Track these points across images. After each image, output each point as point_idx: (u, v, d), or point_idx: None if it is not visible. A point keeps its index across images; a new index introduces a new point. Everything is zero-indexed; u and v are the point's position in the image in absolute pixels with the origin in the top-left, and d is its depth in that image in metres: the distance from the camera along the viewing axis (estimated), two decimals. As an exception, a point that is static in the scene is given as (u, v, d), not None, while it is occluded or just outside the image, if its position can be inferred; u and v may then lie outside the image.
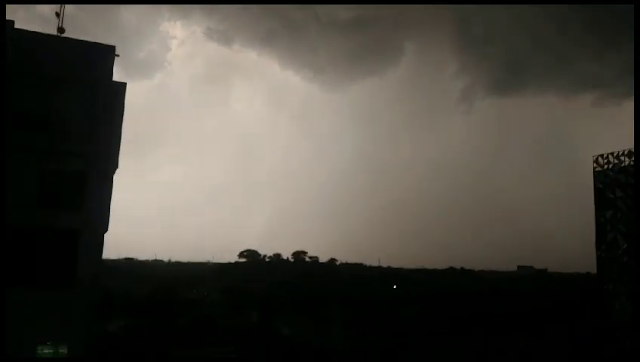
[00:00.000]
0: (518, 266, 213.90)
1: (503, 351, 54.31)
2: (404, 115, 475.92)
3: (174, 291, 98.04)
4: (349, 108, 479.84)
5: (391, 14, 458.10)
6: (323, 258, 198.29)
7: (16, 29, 23.69)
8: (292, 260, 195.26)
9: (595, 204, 70.67)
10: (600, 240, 69.74)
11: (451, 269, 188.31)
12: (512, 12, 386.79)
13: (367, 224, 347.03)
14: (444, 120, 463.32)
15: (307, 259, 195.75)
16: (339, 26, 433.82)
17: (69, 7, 27.91)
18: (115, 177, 26.26)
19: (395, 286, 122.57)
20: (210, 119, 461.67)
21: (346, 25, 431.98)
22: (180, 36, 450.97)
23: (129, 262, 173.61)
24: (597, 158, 70.92)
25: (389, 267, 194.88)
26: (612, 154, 69.28)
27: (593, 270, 75.60)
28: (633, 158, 65.91)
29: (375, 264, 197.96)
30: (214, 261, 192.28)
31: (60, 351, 22.89)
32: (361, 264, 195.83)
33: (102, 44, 25.65)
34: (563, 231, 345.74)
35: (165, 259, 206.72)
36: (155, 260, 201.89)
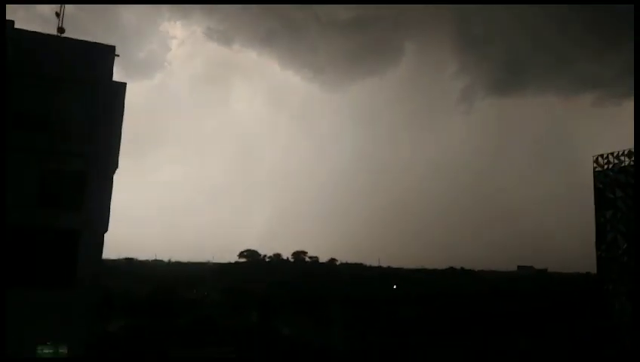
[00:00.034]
0: (518, 266, 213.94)
1: (503, 351, 54.30)
2: (404, 115, 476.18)
3: (174, 291, 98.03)
4: (349, 109, 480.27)
5: (391, 14, 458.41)
6: (323, 258, 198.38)
7: (16, 28, 23.69)
8: (292, 260, 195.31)
9: (595, 204, 70.67)
10: (600, 240, 69.74)
11: (451, 269, 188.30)
12: (512, 12, 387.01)
13: (367, 224, 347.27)
14: (444, 120, 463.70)
15: (307, 259, 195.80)
16: (339, 26, 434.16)
17: (69, 7, 27.94)
18: (115, 177, 26.29)
19: (395, 287, 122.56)
20: (210, 119, 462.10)
21: (346, 25, 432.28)
22: (180, 36, 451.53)
23: (129, 262, 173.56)
24: (597, 158, 70.92)
25: (389, 267, 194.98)
26: (612, 154, 69.28)
27: (593, 270, 75.60)
28: (633, 158, 65.91)
29: (375, 264, 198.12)
30: (214, 261, 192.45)
31: (60, 351, 22.88)
32: (361, 264, 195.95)
33: (102, 44, 25.66)
34: (563, 231, 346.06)
35: (165, 259, 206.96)
36: (155, 260, 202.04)
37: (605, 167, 69.96)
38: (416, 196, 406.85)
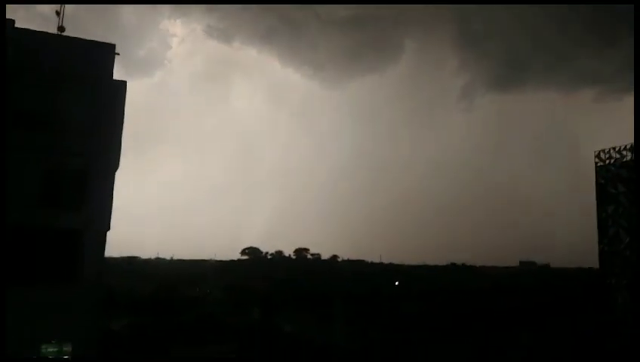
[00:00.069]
0: (520, 262, 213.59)
1: (505, 347, 54.32)
2: (404, 113, 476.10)
3: (176, 289, 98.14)
4: (349, 106, 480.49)
5: (391, 12, 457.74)
6: (325, 255, 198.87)
7: (17, 28, 23.70)
8: (294, 257, 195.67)
9: (597, 199, 70.64)
10: (602, 234, 69.73)
11: (453, 265, 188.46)
12: (512, 9, 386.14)
13: (369, 221, 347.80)
14: (445, 117, 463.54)
15: (309, 256, 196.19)
16: (339, 24, 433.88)
17: (69, 6, 27.97)
18: (117, 175, 26.27)
19: (397, 283, 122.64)
20: (211, 117, 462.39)
21: (346, 22, 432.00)
22: (180, 34, 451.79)
23: (131, 260, 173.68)
24: (598, 153, 70.85)
25: (390, 263, 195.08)
26: (614, 149, 69.21)
27: (595, 265, 75.58)
28: (634, 154, 65.87)
29: (377, 260, 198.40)
30: (216, 259, 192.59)
31: (64, 349, 22.95)
32: (362, 260, 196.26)
33: (102, 42, 25.68)
34: (565, 226, 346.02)
35: (167, 257, 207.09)
36: (158, 258, 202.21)
37: (607, 161, 69.91)
38: (417, 193, 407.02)
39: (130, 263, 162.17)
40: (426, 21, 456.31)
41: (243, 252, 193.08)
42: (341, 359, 52.30)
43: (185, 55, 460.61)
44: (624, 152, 67.93)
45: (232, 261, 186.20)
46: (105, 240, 25.29)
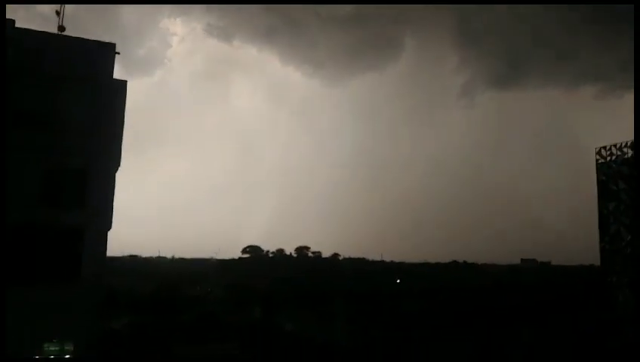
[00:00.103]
0: (522, 259, 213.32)
1: (506, 344, 54.33)
2: (404, 110, 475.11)
3: (178, 288, 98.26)
4: (350, 104, 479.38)
5: (391, 10, 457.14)
6: (326, 253, 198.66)
7: (17, 27, 23.72)
8: (295, 255, 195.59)
9: (598, 196, 70.64)
10: (603, 232, 69.75)
11: (454, 263, 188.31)
12: (513, 6, 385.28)
13: (370, 219, 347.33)
14: (445, 115, 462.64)
15: (310, 254, 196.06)
16: (339, 22, 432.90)
17: (69, 6, 27.93)
18: (118, 175, 26.30)
19: (398, 281, 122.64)
20: (211, 116, 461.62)
21: (346, 20, 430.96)
22: (180, 33, 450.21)
23: (132, 259, 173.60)
24: (599, 150, 70.84)
25: (391, 261, 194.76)
26: (615, 146, 69.20)
27: (597, 262, 75.69)
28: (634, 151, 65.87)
29: (378, 258, 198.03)
30: (217, 257, 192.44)
31: (66, 348, 22.99)
32: (363, 259, 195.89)
33: (102, 42, 25.69)
34: (566, 223, 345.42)
35: (169, 255, 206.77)
36: (159, 257, 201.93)
37: (608, 158, 69.90)
38: (418, 190, 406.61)
39: (131, 262, 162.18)
40: (426, 19, 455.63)
41: (244, 250, 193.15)
42: (342, 357, 52.34)
43: (185, 54, 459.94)
44: (625, 149, 67.94)
45: (233, 259, 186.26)
46: (106, 239, 25.29)
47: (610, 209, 68.88)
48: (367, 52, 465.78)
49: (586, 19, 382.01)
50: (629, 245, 65.90)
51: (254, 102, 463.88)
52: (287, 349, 54.52)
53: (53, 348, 22.82)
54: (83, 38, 25.52)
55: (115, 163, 25.78)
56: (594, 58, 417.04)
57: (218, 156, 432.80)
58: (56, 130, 24.18)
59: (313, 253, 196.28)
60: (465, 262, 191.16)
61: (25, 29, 24.14)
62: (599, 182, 70.56)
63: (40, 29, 25.37)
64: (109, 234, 25.48)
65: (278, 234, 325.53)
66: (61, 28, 26.63)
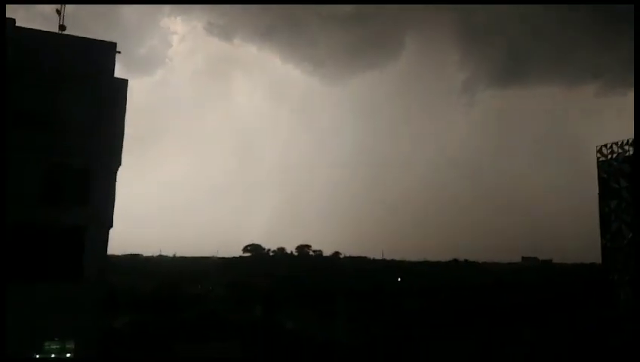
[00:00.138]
0: (523, 257, 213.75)
1: (507, 343, 54.32)
2: (405, 108, 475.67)
3: (179, 286, 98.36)
4: (350, 102, 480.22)
5: (391, 8, 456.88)
6: (327, 251, 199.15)
7: (17, 27, 23.69)
8: (296, 254, 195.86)
9: (600, 193, 70.49)
10: (605, 230, 69.61)
11: (455, 261, 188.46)
12: (513, 4, 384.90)
13: (371, 217, 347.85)
14: (446, 112, 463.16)
15: (311, 252, 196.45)
16: (339, 20, 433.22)
17: (69, 5, 27.87)
18: (119, 173, 26.27)
19: (399, 279, 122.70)
20: (212, 114, 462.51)
21: (347, 18, 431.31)
22: (181, 32, 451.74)
23: (134, 258, 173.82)
24: (600, 148, 70.68)
25: (392, 260, 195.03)
26: (616, 143, 69.06)
27: (598, 260, 75.55)
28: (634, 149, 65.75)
29: (379, 257, 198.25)
30: (219, 256, 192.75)
31: (67, 346, 23.00)
32: (364, 257, 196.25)
33: (103, 41, 25.65)
34: (567, 221, 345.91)
35: (170, 254, 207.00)
36: (160, 256, 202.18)
37: (609, 156, 69.74)
38: (418, 189, 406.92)
39: (132, 261, 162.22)
40: (427, 17, 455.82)
41: (245, 249, 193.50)
42: (343, 356, 52.35)
43: (186, 53, 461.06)
44: (626, 147, 67.76)
45: (235, 258, 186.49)
46: (107, 238, 25.30)
47: (611, 207, 68.73)
48: (368, 50, 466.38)
49: (587, 17, 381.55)
50: (631, 243, 65.77)
51: (255, 101, 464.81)
52: (289, 347, 54.53)
53: (54, 347, 22.84)
54: (84, 37, 25.49)
55: (116, 162, 25.75)
56: (595, 55, 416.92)
57: (219, 154, 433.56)
58: (57, 130, 24.16)
59: (314, 251, 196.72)
60: (466, 260, 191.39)
61: (25, 28, 24.11)
62: (600, 180, 70.41)
63: (41, 28, 25.36)
64: (110, 232, 25.48)
65: (279, 233, 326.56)
66: (62, 27, 26.59)
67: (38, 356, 22.66)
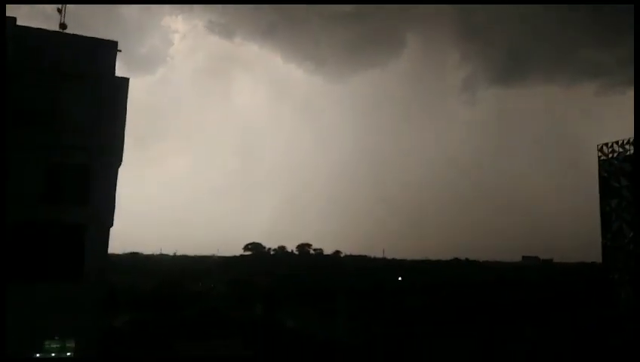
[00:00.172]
0: (523, 256, 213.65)
1: (508, 341, 54.34)
2: (406, 106, 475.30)
3: (180, 284, 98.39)
4: (352, 100, 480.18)
5: (392, 6, 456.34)
6: (327, 250, 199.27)
7: (19, 25, 23.69)
8: (297, 253, 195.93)
9: (600, 192, 70.47)
10: (605, 229, 69.60)
11: (456, 260, 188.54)
12: (514, 4, 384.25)
13: (371, 216, 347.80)
14: (447, 111, 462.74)
15: (312, 251, 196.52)
16: (340, 18, 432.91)
17: (70, 4, 27.85)
18: (120, 172, 26.28)
19: (400, 278, 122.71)
20: (213, 113, 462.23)
21: (348, 17, 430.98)
22: (182, 30, 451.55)
23: (134, 256, 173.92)
24: (601, 147, 70.63)
25: (393, 258, 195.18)
26: (616, 142, 69.03)
27: (599, 259, 75.55)
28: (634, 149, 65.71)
29: (379, 255, 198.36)
30: (220, 254, 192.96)
31: (67, 345, 23.01)
32: (365, 256, 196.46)
33: (104, 39, 25.65)
34: (568, 220, 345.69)
35: (171, 252, 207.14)
36: (161, 254, 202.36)
37: (610, 155, 69.72)
38: (419, 187, 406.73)
39: (133, 259, 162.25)
40: (427, 15, 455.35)
41: (246, 247, 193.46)
42: (344, 354, 52.36)
43: (187, 51, 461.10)
44: (627, 146, 67.73)
45: (236, 256, 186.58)
46: (108, 237, 25.30)
47: (612, 206, 68.72)
48: (369, 48, 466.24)
49: (587, 16, 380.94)
50: (631, 242, 65.77)
51: (256, 99, 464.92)
52: (289, 346, 54.54)
53: (54, 346, 22.84)
54: (85, 36, 25.47)
55: (117, 160, 25.76)
56: (595, 54, 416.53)
57: (220, 153, 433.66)
58: (58, 129, 24.16)
59: (315, 250, 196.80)
60: (467, 259, 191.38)
61: (26, 26, 24.10)
62: (601, 179, 70.38)
63: (42, 27, 25.33)
64: (111, 231, 25.49)
65: (279, 232, 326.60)
66: (63, 26, 26.59)
67: (38, 355, 22.67)
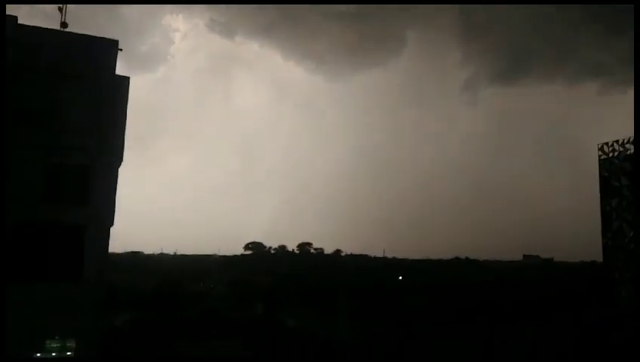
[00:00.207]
0: (524, 255, 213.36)
1: (509, 341, 54.30)
2: (407, 105, 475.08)
3: (180, 284, 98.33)
4: (353, 99, 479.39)
5: (393, 5, 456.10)
6: (328, 249, 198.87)
7: (19, 24, 23.68)
8: (297, 252, 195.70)
9: (601, 192, 70.50)
10: (606, 228, 69.63)
11: (456, 259, 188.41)
12: (514, 4, 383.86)
13: (372, 215, 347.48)
14: (448, 110, 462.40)
15: (312, 250, 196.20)
16: (340, 17, 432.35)
17: (71, 3, 27.82)
18: (120, 171, 26.25)
19: (400, 278, 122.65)
20: (214, 112, 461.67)
21: (348, 15, 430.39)
22: (183, 29, 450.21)
23: (135, 255, 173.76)
24: (602, 146, 70.60)
25: (393, 258, 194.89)
26: (617, 141, 69.01)
27: (599, 258, 75.60)
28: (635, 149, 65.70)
29: (380, 255, 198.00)
30: (220, 254, 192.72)
31: (68, 344, 23.00)
32: (365, 255, 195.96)
33: (104, 38, 25.63)
34: (568, 219, 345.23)
35: (171, 252, 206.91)
36: (161, 253, 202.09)
37: (610, 154, 69.72)
38: (420, 186, 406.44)
39: (133, 258, 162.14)
40: (428, 14, 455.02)
41: (246, 247, 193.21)
42: (345, 354, 52.33)
43: (187, 50, 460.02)
44: (627, 145, 67.73)
45: (236, 256, 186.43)
46: (108, 236, 25.30)
47: (612, 205, 68.75)
48: (370, 47, 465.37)
49: (589, 14, 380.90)
50: (632, 241, 65.78)
51: (257, 98, 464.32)
52: (290, 345, 54.52)
53: (55, 345, 22.83)
54: (85, 35, 25.45)
55: (118, 159, 25.74)
56: (597, 53, 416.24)
57: (221, 152, 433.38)
58: (58, 128, 24.13)
59: (315, 249, 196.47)
60: (467, 258, 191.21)
61: (27, 25, 24.07)
62: (601, 179, 70.40)
63: (42, 26, 25.30)
64: (112, 230, 25.47)
65: (280, 231, 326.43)
66: (64, 24, 26.57)
67: (39, 354, 22.65)
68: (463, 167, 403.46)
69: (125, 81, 25.97)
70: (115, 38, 25.60)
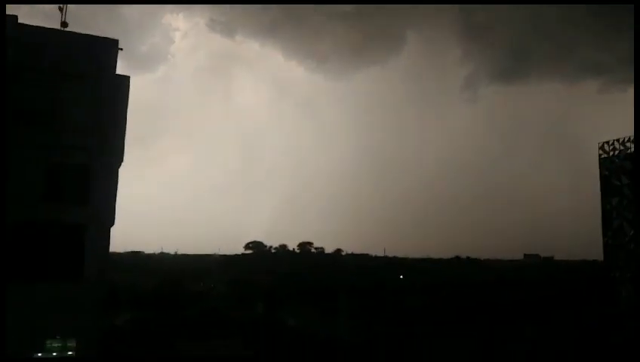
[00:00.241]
0: (524, 254, 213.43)
1: (509, 340, 54.29)
2: (408, 104, 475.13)
3: (181, 284, 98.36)
4: (354, 98, 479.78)
5: (393, 4, 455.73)
6: (329, 248, 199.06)
7: (20, 23, 23.67)
8: (298, 251, 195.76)
9: (601, 191, 70.44)
10: (606, 227, 69.60)
11: (457, 258, 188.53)
12: (514, 4, 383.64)
13: (373, 214, 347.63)
14: (449, 108, 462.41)
15: (313, 249, 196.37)
16: (341, 16, 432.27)
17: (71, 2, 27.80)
18: (120, 171, 26.24)
19: (401, 277, 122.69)
20: (215, 111, 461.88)
21: (349, 14, 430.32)
22: (183, 28, 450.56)
23: (135, 255, 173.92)
24: (602, 145, 70.51)
25: (394, 257, 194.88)
26: (617, 140, 68.95)
27: (600, 257, 75.57)
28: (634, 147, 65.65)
29: (381, 254, 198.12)
30: (220, 253, 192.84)
31: (69, 344, 22.99)
32: (366, 254, 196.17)
33: (105, 37, 25.58)
34: (569, 218, 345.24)
35: (171, 252, 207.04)
36: (162, 253, 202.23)
37: (611, 153, 69.66)
38: (421, 186, 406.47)
39: (134, 258, 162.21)
40: (428, 13, 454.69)
41: (247, 246, 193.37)
42: (345, 353, 52.33)
43: (188, 50, 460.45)
44: (628, 144, 67.67)
45: (236, 255, 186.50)
46: (109, 237, 25.27)
47: (613, 204, 68.71)
48: (370, 46, 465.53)
49: (589, 12, 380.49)
50: (632, 240, 65.76)
51: (257, 98, 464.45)
52: (290, 345, 54.52)
53: (55, 345, 22.82)
54: (85, 34, 25.41)
55: (118, 159, 25.72)
56: (597, 52, 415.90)
57: (221, 152, 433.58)
58: (59, 127, 24.10)
59: (316, 248, 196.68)
60: (468, 257, 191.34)
61: (27, 25, 24.05)
62: (602, 178, 70.35)
63: (43, 25, 25.27)
64: (112, 230, 25.46)
65: (280, 230, 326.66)
66: (64, 24, 26.55)
67: (39, 354, 22.66)
68: (464, 167, 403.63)
69: (126, 80, 25.95)
70: (116, 38, 25.62)
